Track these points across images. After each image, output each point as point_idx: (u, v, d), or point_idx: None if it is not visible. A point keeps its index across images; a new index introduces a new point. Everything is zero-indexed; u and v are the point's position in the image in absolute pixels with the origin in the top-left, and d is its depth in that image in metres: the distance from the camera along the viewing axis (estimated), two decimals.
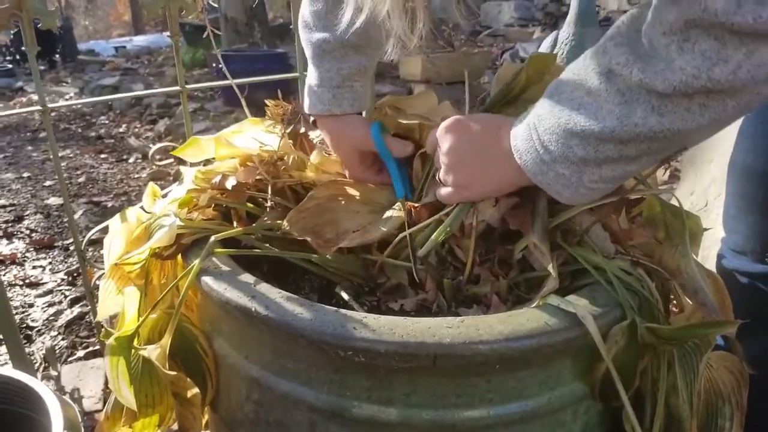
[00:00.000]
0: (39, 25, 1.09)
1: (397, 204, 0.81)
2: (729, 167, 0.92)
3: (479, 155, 0.68)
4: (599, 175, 0.60)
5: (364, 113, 0.90)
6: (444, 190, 0.73)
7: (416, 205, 0.78)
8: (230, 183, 0.80)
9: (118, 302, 0.77)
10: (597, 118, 0.56)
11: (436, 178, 0.74)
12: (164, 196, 0.88)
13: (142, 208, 0.87)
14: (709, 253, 1.09)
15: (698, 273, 0.66)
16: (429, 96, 0.90)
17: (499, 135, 0.66)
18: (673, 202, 0.73)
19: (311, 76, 0.88)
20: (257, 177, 0.83)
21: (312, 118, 0.91)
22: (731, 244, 0.93)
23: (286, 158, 0.88)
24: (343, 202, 0.81)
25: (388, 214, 0.79)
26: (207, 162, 0.92)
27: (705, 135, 0.56)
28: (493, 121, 0.70)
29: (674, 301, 0.74)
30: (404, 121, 0.84)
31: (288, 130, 0.89)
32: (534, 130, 0.61)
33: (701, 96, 0.51)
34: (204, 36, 1.08)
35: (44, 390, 0.75)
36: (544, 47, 2.19)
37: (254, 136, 0.90)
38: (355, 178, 0.89)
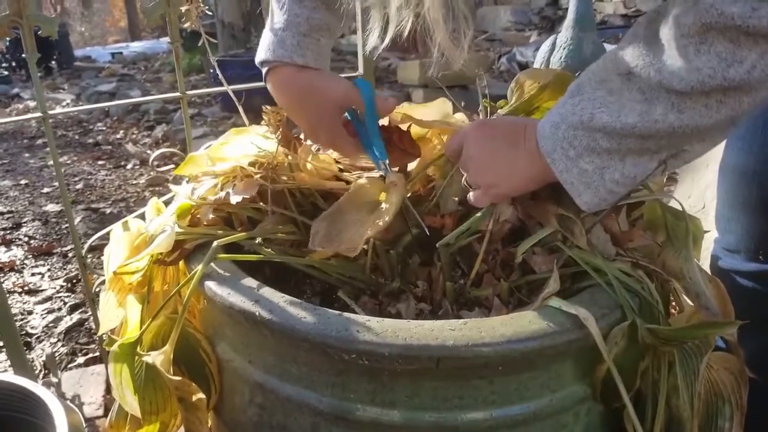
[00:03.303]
0: (39, 32, 1.09)
1: (384, 187, 0.79)
2: (720, 168, 0.93)
3: (506, 155, 0.70)
4: (621, 172, 0.62)
5: None
6: (474, 193, 0.74)
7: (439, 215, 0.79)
8: (235, 199, 0.79)
9: (119, 315, 0.77)
10: (619, 115, 0.59)
11: (464, 182, 0.75)
12: (167, 203, 0.88)
13: (142, 217, 0.87)
14: (704, 254, 1.10)
15: (701, 278, 0.67)
16: (443, 104, 0.90)
17: (525, 135, 0.68)
18: (674, 204, 0.74)
19: (275, 20, 0.80)
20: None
21: (264, 69, 0.82)
22: (724, 244, 0.94)
23: (281, 164, 0.88)
24: (349, 206, 0.81)
25: (383, 205, 0.76)
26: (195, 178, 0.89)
27: (722, 130, 0.58)
28: (517, 122, 0.72)
29: (673, 302, 0.75)
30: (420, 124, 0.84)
31: (281, 136, 0.88)
32: (557, 129, 0.64)
33: (718, 93, 0.54)
34: (200, 43, 1.09)
35: (48, 396, 0.75)
36: (543, 51, 2.20)
37: (252, 141, 0.90)
38: (329, 142, 0.83)
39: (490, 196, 0.73)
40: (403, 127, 0.85)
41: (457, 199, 0.81)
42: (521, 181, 0.71)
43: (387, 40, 0.71)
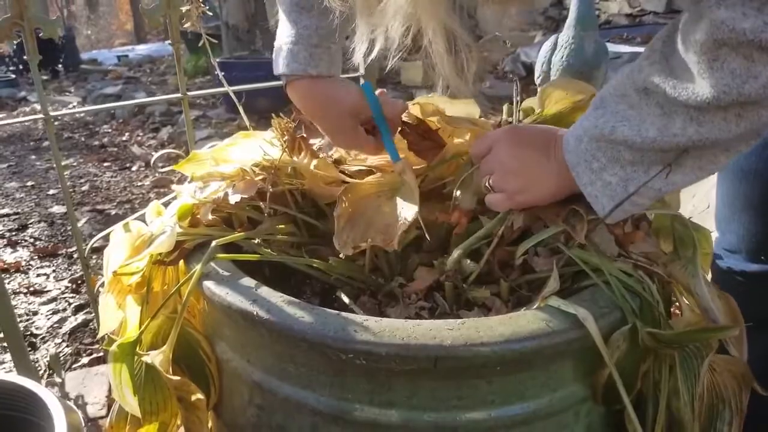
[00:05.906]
0: (41, 35, 1.10)
1: (404, 184, 0.79)
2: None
3: (537, 164, 0.70)
4: (644, 184, 0.61)
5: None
6: (495, 197, 0.73)
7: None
8: (234, 199, 0.80)
9: (119, 316, 0.77)
10: (640, 129, 0.59)
11: (486, 184, 0.74)
12: (166, 205, 0.88)
13: (143, 219, 0.87)
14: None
15: (708, 293, 0.67)
16: (471, 105, 0.90)
17: (555, 145, 0.68)
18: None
19: (285, 34, 0.83)
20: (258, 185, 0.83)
21: (283, 81, 0.85)
22: (725, 244, 0.93)
23: (283, 167, 0.88)
24: (364, 204, 0.81)
25: (400, 205, 0.77)
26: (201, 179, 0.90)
27: (745, 141, 0.58)
28: (549, 131, 0.72)
29: (677, 303, 0.74)
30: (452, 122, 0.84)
31: (288, 141, 0.88)
32: (580, 142, 0.64)
33: (736, 107, 0.53)
34: (200, 44, 1.09)
35: (48, 395, 0.76)
36: (544, 50, 2.18)
37: (259, 145, 0.90)
38: (350, 146, 0.86)
39: (513, 203, 0.72)
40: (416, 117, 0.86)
41: (475, 197, 0.80)
42: (548, 191, 0.70)
43: (371, 58, 0.71)
